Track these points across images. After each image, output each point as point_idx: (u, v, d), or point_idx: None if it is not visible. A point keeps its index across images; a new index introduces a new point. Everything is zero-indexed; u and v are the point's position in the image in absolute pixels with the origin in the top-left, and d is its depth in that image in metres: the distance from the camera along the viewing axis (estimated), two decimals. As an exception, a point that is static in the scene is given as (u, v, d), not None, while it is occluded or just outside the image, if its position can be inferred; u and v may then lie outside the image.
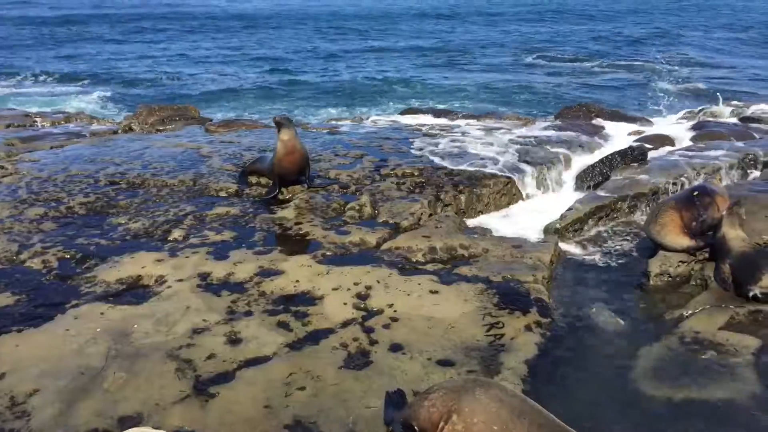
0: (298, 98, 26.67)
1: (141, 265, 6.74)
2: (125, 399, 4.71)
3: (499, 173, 9.59)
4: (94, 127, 13.73)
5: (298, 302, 6.11)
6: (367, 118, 14.94)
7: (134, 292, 6.29)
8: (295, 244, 7.37)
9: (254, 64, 34.47)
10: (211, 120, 15.01)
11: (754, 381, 5.04)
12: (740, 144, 10.89)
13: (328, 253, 7.10)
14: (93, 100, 25.31)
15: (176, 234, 7.48)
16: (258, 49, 40.09)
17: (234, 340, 5.46)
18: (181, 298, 6.09)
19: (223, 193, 8.89)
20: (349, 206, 8.36)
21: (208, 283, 6.42)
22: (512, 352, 5.36)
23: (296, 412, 4.59)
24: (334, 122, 14.16)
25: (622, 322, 6.20)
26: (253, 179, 9.37)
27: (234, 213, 8.18)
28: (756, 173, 9.84)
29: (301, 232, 7.65)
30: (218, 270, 6.63)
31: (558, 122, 14.28)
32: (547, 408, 4.39)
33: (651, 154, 10.45)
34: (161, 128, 13.48)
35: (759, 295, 6.14)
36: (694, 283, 6.88)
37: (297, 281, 6.47)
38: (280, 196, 8.74)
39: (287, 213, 8.17)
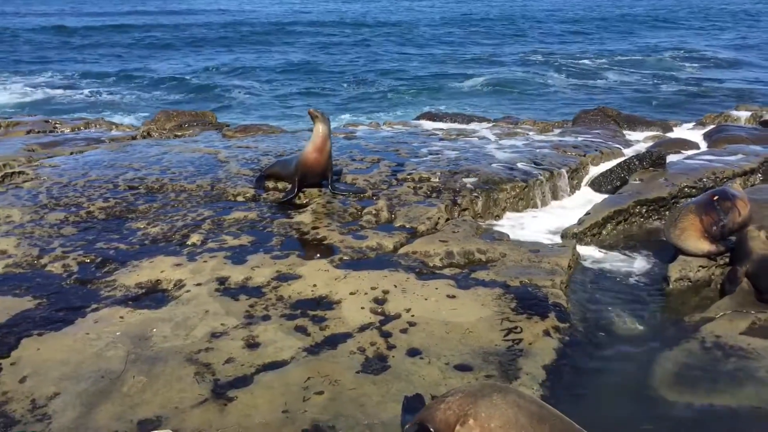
0: (314, 104, 26.77)
1: (160, 269, 6.78)
2: (144, 402, 4.74)
3: (517, 178, 9.56)
4: (114, 132, 13.87)
5: (316, 306, 6.11)
6: (384, 123, 14.97)
7: (153, 296, 6.33)
8: (313, 248, 7.38)
9: (271, 72, 34.65)
10: (228, 125, 15.09)
11: (777, 387, 4.98)
12: (760, 148, 10.78)
13: (345, 258, 7.10)
14: (113, 105, 25.58)
15: (194, 238, 7.52)
16: (273, 56, 40.30)
17: (252, 344, 5.47)
18: (199, 302, 6.12)
19: (240, 198, 8.93)
20: (366, 211, 8.36)
21: (226, 288, 6.44)
22: (530, 357, 5.33)
23: (314, 417, 4.59)
24: (351, 127, 14.19)
25: (641, 327, 6.15)
26: (270, 184, 9.41)
27: (251, 217, 8.21)
28: (777, 177, 9.74)
29: (318, 237, 7.66)
30: (236, 274, 6.66)
31: (576, 127, 14.24)
32: (566, 414, 4.37)
33: (669, 158, 10.37)
34: (179, 134, 13.57)
35: (779, 301, 6.07)
36: (714, 287, 6.82)
37: (314, 285, 6.48)
38: (297, 201, 8.76)
39: (304, 217, 8.18)
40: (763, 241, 6.51)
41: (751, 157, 10.16)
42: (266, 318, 5.89)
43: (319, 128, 8.72)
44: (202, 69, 35.10)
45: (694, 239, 7.02)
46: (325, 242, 7.53)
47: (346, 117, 23.46)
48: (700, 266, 7.00)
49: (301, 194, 8.92)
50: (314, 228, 7.88)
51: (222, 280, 6.55)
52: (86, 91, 29.43)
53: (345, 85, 30.82)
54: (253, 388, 4.89)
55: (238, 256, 7.07)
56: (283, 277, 6.64)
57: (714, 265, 7.03)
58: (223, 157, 10.78)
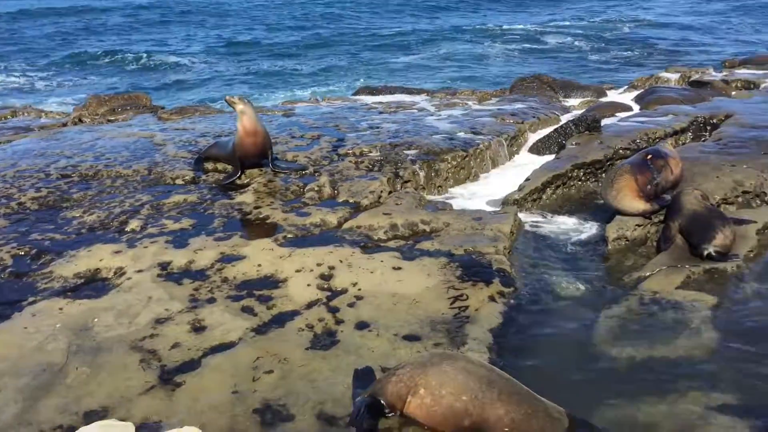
0: (252, 81, 26.36)
1: (98, 257, 6.61)
2: (89, 394, 4.64)
3: (457, 147, 9.62)
4: (43, 120, 13.40)
5: (262, 286, 6.07)
6: (323, 99, 14.85)
7: (93, 285, 6.18)
8: (256, 228, 7.31)
9: (206, 51, 33.90)
10: (163, 107, 14.75)
11: (712, 336, 5.18)
12: (689, 108, 11.10)
13: (290, 236, 7.05)
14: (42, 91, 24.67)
15: (133, 224, 7.35)
16: (209, 35, 39.41)
17: (198, 328, 5.40)
18: (141, 289, 6.00)
19: (179, 181, 8.75)
20: (308, 188, 8.30)
21: (169, 272, 6.33)
22: (477, 323, 5.41)
23: (265, 396, 4.57)
24: (289, 105, 14.03)
25: (582, 287, 6.30)
26: (209, 165, 9.24)
27: (192, 200, 8.06)
28: (706, 136, 10.04)
29: (261, 216, 7.58)
30: (178, 258, 6.54)
31: (513, 95, 14.40)
32: (513, 374, 4.47)
33: (604, 122, 10.58)
34: (112, 118, 13.20)
35: (713, 254, 6.29)
36: (651, 245, 7.03)
37: (259, 265, 6.42)
38: (238, 181, 8.64)
39: (246, 197, 8.08)
40: (694, 198, 6.72)
41: (681, 117, 10.45)
42: (211, 301, 5.82)
43: (243, 113, 8.58)
44: (135, 51, 34.07)
45: (629, 199, 7.21)
46: (268, 221, 7.46)
47: (285, 94, 23.18)
48: (636, 225, 7.20)
49: (242, 174, 8.79)
50: (257, 207, 7.79)
51: (164, 265, 6.43)
52: (12, 78, 28.28)
53: (282, 62, 30.39)
54: (201, 372, 4.85)
55: (179, 240, 6.95)
56: (227, 259, 6.56)
57: (649, 223, 7.24)
58: (159, 141, 10.53)
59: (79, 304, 5.81)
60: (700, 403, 4.39)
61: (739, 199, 7.59)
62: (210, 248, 6.75)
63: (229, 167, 8.95)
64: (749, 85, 13.61)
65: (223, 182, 8.63)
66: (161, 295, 5.90)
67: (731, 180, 7.72)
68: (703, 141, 9.51)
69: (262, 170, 8.89)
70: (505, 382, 4.15)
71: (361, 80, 24.50)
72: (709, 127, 10.22)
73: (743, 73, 15.11)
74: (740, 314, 5.59)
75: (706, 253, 6.30)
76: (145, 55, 32.51)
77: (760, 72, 14.97)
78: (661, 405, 4.41)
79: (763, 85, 13.28)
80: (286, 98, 19.57)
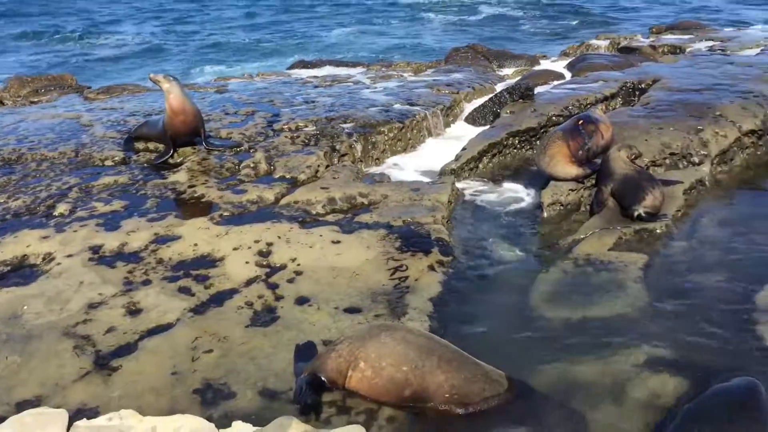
0: (183, 58, 25.70)
1: (25, 243, 6.37)
2: (21, 383, 4.49)
3: (393, 119, 9.60)
4: (-40, 103, 12.76)
5: (199, 266, 5.96)
6: (257, 75, 14.59)
7: (20, 272, 5.97)
8: (191, 207, 7.16)
9: (133, 27, 32.83)
10: (90, 87, 14.26)
11: (643, 294, 5.33)
12: (618, 74, 11.33)
13: (226, 214, 6.94)
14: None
15: (61, 208, 7.10)
16: (135, 10, 38.15)
17: (133, 311, 5.28)
18: (72, 274, 5.82)
19: (109, 162, 8.49)
20: (243, 164, 8.17)
21: (101, 256, 6.15)
22: (417, 293, 5.45)
23: (205, 375, 4.51)
24: (222, 81, 13.73)
25: (520, 252, 6.41)
26: (140, 145, 8.99)
27: (122, 181, 7.84)
28: (635, 100, 10.27)
29: (195, 195, 7.43)
30: (110, 241, 6.36)
31: (448, 65, 14.43)
32: (454, 340, 4.52)
33: (537, 90, 10.71)
34: (35, 100, 12.70)
35: (643, 215, 6.46)
36: (584, 209, 7.18)
37: (195, 245, 6.30)
38: (170, 160, 8.43)
39: (179, 176, 7.90)
40: (624, 161, 6.88)
41: (611, 83, 10.66)
42: (147, 283, 5.69)
43: (169, 91, 8.34)
44: (60, 30, 32.73)
45: (562, 164, 7.33)
46: (203, 200, 7.32)
47: (215, 69, 22.69)
48: (570, 190, 7.34)
49: (174, 153, 8.57)
50: (191, 186, 7.63)
51: (95, 249, 6.25)
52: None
53: (213, 37, 29.69)
54: (138, 355, 4.74)
55: (111, 223, 6.75)
56: (161, 240, 6.42)
57: (582, 187, 7.39)
58: (86, 121, 10.18)
59: (7, 291, 5.60)
60: (633, 361, 4.52)
61: (667, 161, 7.82)
62: (143, 230, 6.58)
63: (161, 146, 8.73)
64: (675, 50, 13.97)
65: (155, 162, 8.41)
66: (93, 279, 5.74)
67: (659, 143, 7.94)
68: (632, 106, 9.72)
69: (195, 148, 8.70)
70: (444, 350, 4.19)
71: (296, 55, 24.16)
72: (637, 92, 10.46)
73: (669, 38, 15.49)
74: (669, 272, 5.77)
75: (636, 214, 6.47)
76: (69, 33, 31.30)
77: (686, 37, 15.37)
78: (596, 363, 4.53)
79: (688, 50, 13.65)
80: (219, 74, 19.15)
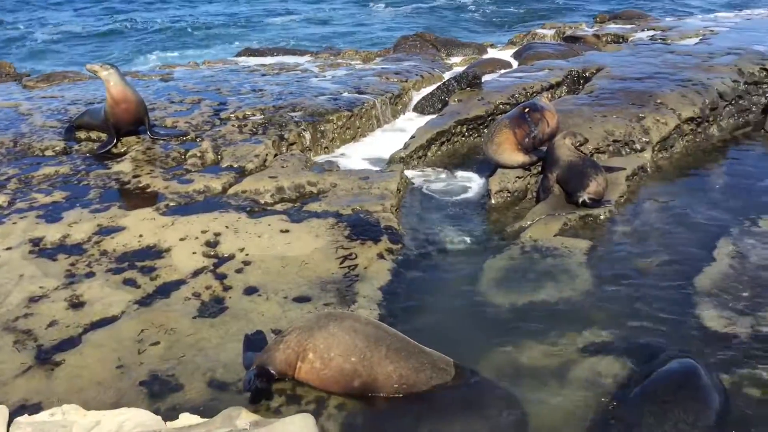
0: (125, 45, 25.07)
1: (-39, 237, 6.16)
2: (-41, 381, 4.35)
3: (342, 108, 9.56)
4: None
5: (144, 257, 5.86)
6: (203, 62, 14.34)
7: (-43, 267, 5.77)
8: (135, 197, 7.02)
9: (73, 14, 31.86)
10: (28, 75, 13.81)
11: (587, 278, 5.46)
12: (564, 62, 11.51)
13: (172, 204, 6.83)
14: None
15: (-1, 200, 6.89)
16: (76, -5, 37.02)
17: (76, 304, 5.16)
18: (11, 267, 5.65)
19: (49, 152, 8.24)
20: (190, 154, 8.04)
21: (42, 248, 5.99)
22: (366, 281, 5.46)
23: (152, 368, 4.44)
24: (167, 69, 13.45)
25: (468, 239, 6.48)
26: (82, 134, 8.75)
27: (64, 172, 7.63)
28: (580, 88, 10.45)
29: (140, 185, 7.28)
30: (51, 233, 6.19)
31: (397, 54, 14.43)
32: (403, 328, 4.56)
33: (485, 78, 10.80)
34: (-29, 88, 12.20)
35: (587, 201, 6.60)
36: (530, 196, 7.29)
37: (141, 236, 6.18)
38: (113, 149, 8.23)
39: (123, 166, 7.73)
40: (569, 148, 7.00)
41: (557, 71, 10.83)
42: (90, 275, 5.57)
43: (108, 80, 8.13)
44: (-8, 15, 31.59)
45: (509, 152, 7.42)
46: (148, 190, 7.18)
47: (160, 56, 22.23)
48: (516, 177, 7.43)
49: (118, 143, 8.38)
50: (135, 176, 7.47)
51: (36, 241, 6.08)
52: None
53: (157, 23, 29.04)
54: (81, 349, 4.64)
55: (52, 214, 6.58)
56: (105, 231, 6.28)
57: (529, 175, 7.50)
58: (25, 110, 9.86)
59: (-58, 287, 5.41)
60: (578, 344, 4.63)
61: (610, 148, 7.99)
62: (86, 221, 6.43)
63: (104, 136, 8.52)
64: (618, 39, 14.23)
65: (98, 151, 8.21)
66: (34, 272, 5.59)
67: (602, 130, 8.10)
68: (577, 94, 9.89)
69: (139, 137, 8.51)
70: (392, 339, 4.21)
71: (237, 42, 23.83)
72: (582, 80, 10.64)
73: (613, 27, 15.77)
74: (613, 257, 5.91)
75: (580, 200, 6.60)
76: (5, 21, 30.22)
77: (628, 26, 15.68)
78: (541, 347, 4.62)
79: (630, 39, 13.92)
80: (164, 61, 18.78)
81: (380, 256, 5.86)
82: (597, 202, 6.64)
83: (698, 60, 10.60)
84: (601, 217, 6.55)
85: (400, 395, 4.04)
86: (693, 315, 4.85)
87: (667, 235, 6.26)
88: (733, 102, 9.43)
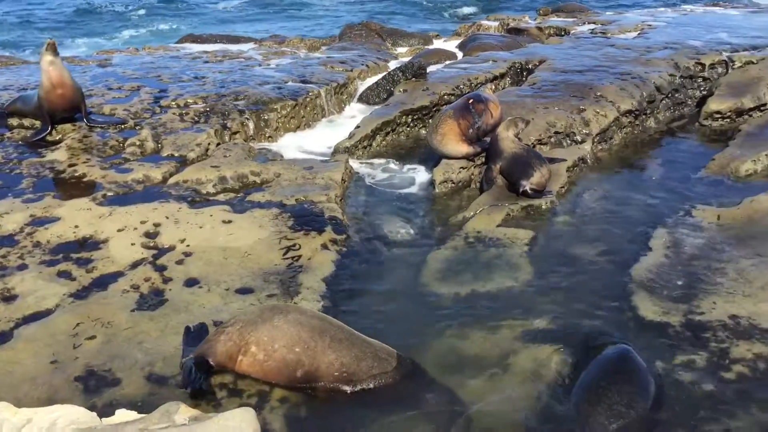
0: (58, 28, 24.24)
1: None
2: None
3: (287, 97, 9.45)
4: None
5: (80, 248, 5.70)
6: (143, 48, 13.97)
7: None
8: (71, 187, 6.81)
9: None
10: (-44, 59, 13.23)
11: (528, 269, 5.53)
12: (507, 54, 11.62)
13: (110, 194, 6.65)
14: None
15: (-75, 189, 6.59)
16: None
17: (8, 298, 4.99)
18: (-62, 260, 5.42)
19: (-21, 140, 7.93)
20: (128, 142, 7.84)
21: (-29, 240, 5.77)
22: (310, 272, 5.42)
23: (88, 362, 4.33)
24: (105, 54, 13.07)
25: (412, 230, 6.49)
26: (14, 121, 8.44)
27: (-5, 160, 7.35)
28: (523, 80, 10.57)
29: (76, 174, 7.07)
30: (-19, 224, 5.97)
31: (342, 43, 14.33)
32: (346, 319, 4.55)
33: (430, 69, 10.81)
34: None
35: (530, 191, 6.69)
36: (474, 186, 7.35)
37: (76, 226, 6.01)
38: (48, 137, 7.96)
39: (59, 155, 7.48)
40: (512, 140, 7.08)
41: (501, 63, 10.92)
42: (23, 267, 5.39)
43: (46, 61, 7.85)
44: None
45: (453, 143, 7.46)
46: (85, 179, 6.98)
47: (92, 41, 21.57)
48: (460, 168, 7.49)
49: (52, 130, 8.10)
50: (71, 165, 7.25)
51: (-36, 233, 5.85)
52: None
53: (93, 6, 28.15)
54: (14, 344, 4.50)
55: (-19, 205, 6.33)
56: (38, 222, 6.08)
57: (473, 165, 7.57)
58: (-48, 96, 9.45)
59: None
60: (519, 333, 4.69)
61: (552, 140, 8.11)
62: (18, 211, 6.21)
63: (38, 123, 8.22)
64: (560, 32, 14.44)
65: (32, 139, 7.93)
66: (-38, 265, 5.37)
67: (545, 122, 8.22)
68: (520, 85, 10.00)
69: (75, 125, 8.25)
70: (335, 330, 4.20)
71: (176, 25, 23.30)
72: (525, 72, 10.76)
73: (555, 20, 15.99)
74: (553, 247, 6.01)
75: (523, 189, 6.68)
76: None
77: (570, 19, 15.92)
78: (483, 337, 4.67)
79: (572, 32, 14.15)
80: (95, 46, 18.23)
81: (324, 246, 5.83)
82: (539, 192, 6.74)
83: (637, 54, 10.84)
84: (543, 207, 6.65)
85: (342, 385, 4.03)
86: (629, 304, 4.96)
87: (605, 226, 6.40)
88: (669, 95, 9.69)
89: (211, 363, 4.08)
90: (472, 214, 6.57)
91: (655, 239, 5.86)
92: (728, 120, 9.00)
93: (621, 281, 5.29)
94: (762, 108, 8.99)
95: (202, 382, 4.02)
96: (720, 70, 10.23)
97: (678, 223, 6.13)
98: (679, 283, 5.16)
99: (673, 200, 6.84)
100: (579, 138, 8.20)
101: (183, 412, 3.19)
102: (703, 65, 10.23)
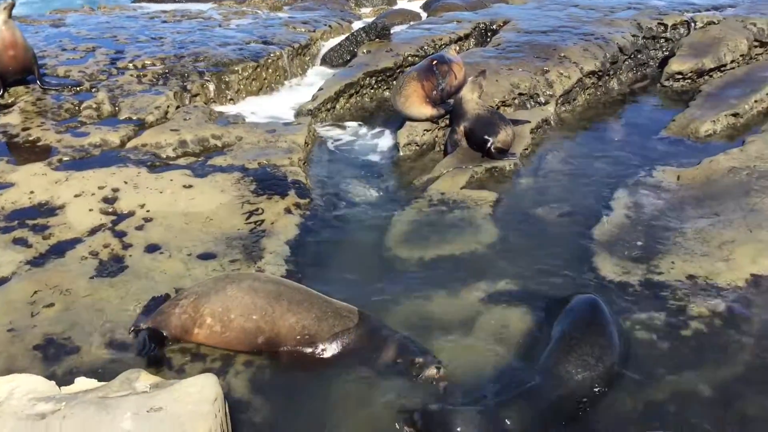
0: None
1: None
2: None
3: (248, 58, 9.26)
4: None
5: (36, 215, 5.56)
6: (98, 7, 13.55)
7: None
8: (25, 152, 6.63)
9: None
10: None
11: (492, 230, 5.55)
12: (472, 14, 11.52)
13: (66, 158, 6.48)
14: None
15: None
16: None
17: (-39, 266, 4.85)
18: None
19: (-73, 103, 7.65)
20: (84, 105, 7.63)
21: None
22: (273, 236, 5.37)
23: (46, 330, 4.25)
24: (59, 14, 12.63)
25: (376, 193, 6.47)
26: (-38, 85, 8.14)
27: (-56, 124, 7.10)
28: (488, 41, 10.51)
29: (30, 139, 6.87)
30: (-69, 191, 5.78)
31: (305, 2, 14.07)
32: (311, 283, 4.53)
33: (394, 29, 10.70)
34: None
35: (494, 150, 6.67)
36: (438, 149, 7.33)
37: (31, 192, 5.85)
38: (1, 101, 7.70)
39: (11, 119, 7.25)
40: (476, 102, 7.04)
41: (465, 24, 10.83)
42: (-25, 235, 5.24)
43: (5, 23, 7.55)
44: None
45: (417, 105, 7.40)
46: (39, 144, 6.79)
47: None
48: (425, 130, 7.45)
49: (4, 93, 7.83)
50: (25, 129, 7.03)
51: None
52: None
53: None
54: (-32, 313, 4.38)
55: (-69, 170, 6.12)
56: (-9, 188, 5.91)
57: (437, 127, 7.53)
58: None
59: None
60: (483, 294, 4.70)
61: (516, 101, 8.10)
62: (-30, 177, 6.02)
63: (-12, 86, 7.95)
64: (525, -7, 14.34)
65: (-19, 103, 7.66)
66: None
67: (509, 83, 8.20)
68: (485, 46, 9.94)
69: (28, 87, 8.00)
70: (293, 293, 4.18)
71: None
72: (490, 33, 10.69)
73: (520, -19, 15.88)
74: (517, 208, 6.04)
75: (488, 146, 6.65)
76: None
77: (535, -20, 15.81)
78: (448, 299, 4.68)
79: (537, -7, 14.05)
80: (50, 6, 17.56)
81: (288, 210, 5.77)
82: (504, 152, 6.74)
83: (600, 14, 10.84)
84: (507, 169, 6.66)
85: (305, 346, 4.02)
86: (591, 264, 5.01)
87: (568, 187, 6.44)
88: (632, 56, 9.73)
89: (166, 335, 4.05)
90: (436, 176, 6.56)
91: (616, 200, 5.91)
92: (689, 81, 9.08)
93: (583, 242, 5.34)
94: (722, 68, 9.09)
95: (156, 350, 3.98)
96: (682, 30, 10.29)
97: (639, 184, 6.19)
98: (639, 243, 5.23)
99: (634, 161, 6.90)
100: (543, 99, 8.20)
101: (144, 379, 3.16)
102: (665, 26, 10.27)
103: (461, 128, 6.98)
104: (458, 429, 3.34)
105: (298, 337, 4.01)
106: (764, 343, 4.14)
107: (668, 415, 3.64)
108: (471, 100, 7.04)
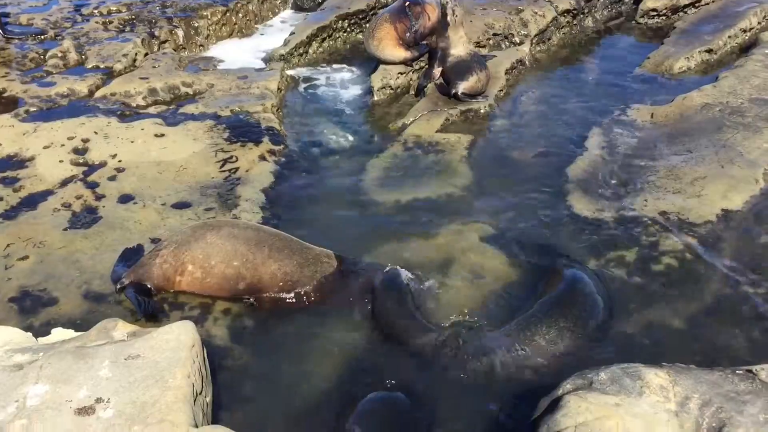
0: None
1: None
2: None
3: (217, 2, 9.03)
4: None
5: (5, 167, 5.48)
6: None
7: None
8: (-10, 103, 6.47)
9: None
10: None
11: (468, 173, 5.57)
12: (446, -47, 11.26)
13: (33, 109, 6.34)
14: None
15: None
16: None
17: (-69, 221, 4.78)
18: None
19: None
20: (50, 54, 7.43)
21: None
22: (248, 184, 5.34)
23: (21, 283, 4.23)
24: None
25: (351, 137, 6.42)
26: None
27: None
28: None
29: (-5, 90, 6.71)
30: None
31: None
32: (287, 229, 4.52)
33: (366, -30, 10.44)
34: None
35: (461, 95, 6.64)
36: (413, 92, 7.26)
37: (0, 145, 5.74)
38: (-39, 51, 7.49)
39: (-26, 70, 7.06)
40: (463, 44, 6.92)
41: (439, -36, 10.60)
42: (-56, 189, 5.15)
43: None
44: None
45: (390, 47, 7.29)
46: (5, 95, 6.64)
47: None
48: (399, 73, 7.36)
49: (-35, 43, 7.62)
50: (-11, 80, 6.86)
51: None
52: None
53: None
54: (-59, 268, 4.34)
55: None
56: (-43, 141, 5.78)
57: (411, 71, 7.44)
58: None
59: None
60: (460, 238, 4.73)
61: (490, 42, 8.02)
62: (-66, 131, 5.88)
63: (-52, 36, 7.72)
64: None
65: (-57, 53, 7.44)
66: None
67: (483, 23, 8.10)
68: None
69: (-8, 37, 7.77)
70: (273, 239, 4.18)
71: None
72: (463, -27, 10.48)
73: None
74: (492, 150, 6.05)
75: (454, 92, 6.65)
76: None
77: None
78: (425, 242, 4.71)
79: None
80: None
81: (262, 158, 5.72)
82: (472, 97, 6.70)
83: (575, -49, 10.64)
84: (482, 111, 6.64)
85: (286, 293, 4.05)
86: (565, 203, 5.05)
87: (543, 127, 6.44)
88: (607, -6, 9.62)
89: (150, 287, 4.04)
90: (411, 120, 6.52)
91: (591, 139, 5.93)
92: (664, 17, 9.03)
93: (558, 181, 5.37)
94: (697, 4, 9.02)
95: (152, 306, 3.97)
96: (657, -33, 10.16)
97: (613, 122, 6.20)
98: (613, 181, 5.27)
99: (609, 99, 6.90)
100: (517, 39, 8.13)
101: (121, 328, 3.16)
102: (640, -38, 10.13)
103: (439, 69, 6.92)
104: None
105: (281, 283, 4.04)
106: (733, 276, 4.23)
107: (641, 348, 3.73)
108: (458, 40, 6.91)
